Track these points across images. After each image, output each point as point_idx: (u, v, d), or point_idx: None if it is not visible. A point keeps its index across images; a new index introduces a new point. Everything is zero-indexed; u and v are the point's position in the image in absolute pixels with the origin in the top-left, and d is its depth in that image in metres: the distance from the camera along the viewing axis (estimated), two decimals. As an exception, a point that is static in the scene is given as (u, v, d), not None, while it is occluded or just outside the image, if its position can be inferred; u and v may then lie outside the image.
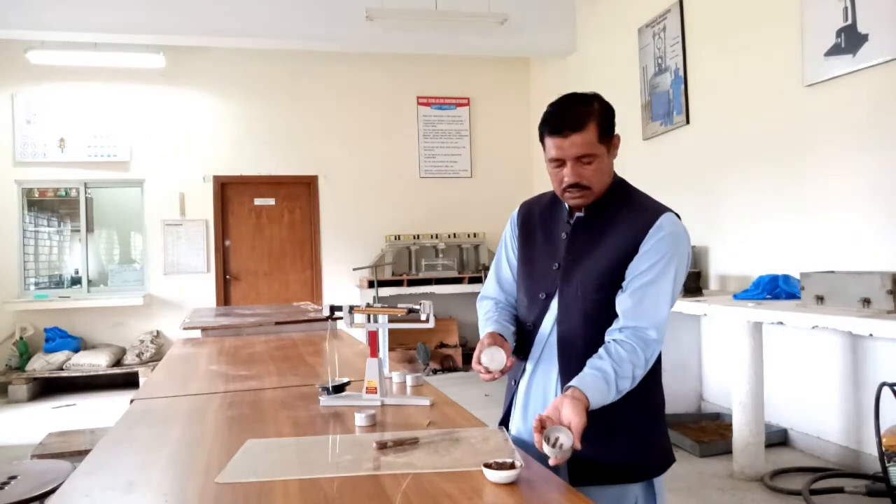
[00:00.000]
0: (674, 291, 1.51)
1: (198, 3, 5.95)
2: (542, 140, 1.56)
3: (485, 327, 1.69)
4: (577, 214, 1.60)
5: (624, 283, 1.51)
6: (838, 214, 3.77)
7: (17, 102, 6.85)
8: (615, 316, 1.52)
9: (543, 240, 1.66)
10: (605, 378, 1.41)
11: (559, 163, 1.51)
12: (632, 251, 1.50)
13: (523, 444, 1.55)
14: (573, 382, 1.41)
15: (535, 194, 1.83)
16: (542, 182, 1.73)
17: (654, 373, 1.57)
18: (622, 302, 1.50)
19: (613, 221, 1.55)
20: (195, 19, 5.98)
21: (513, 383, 1.71)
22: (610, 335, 1.51)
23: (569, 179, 1.50)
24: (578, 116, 1.48)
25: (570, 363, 1.54)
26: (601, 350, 1.48)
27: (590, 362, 1.46)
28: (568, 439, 1.31)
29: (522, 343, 1.68)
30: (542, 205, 1.72)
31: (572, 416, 1.32)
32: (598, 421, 1.41)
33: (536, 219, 1.71)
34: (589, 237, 1.57)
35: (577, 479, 1.50)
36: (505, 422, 1.75)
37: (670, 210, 1.55)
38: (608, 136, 1.52)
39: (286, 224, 7.65)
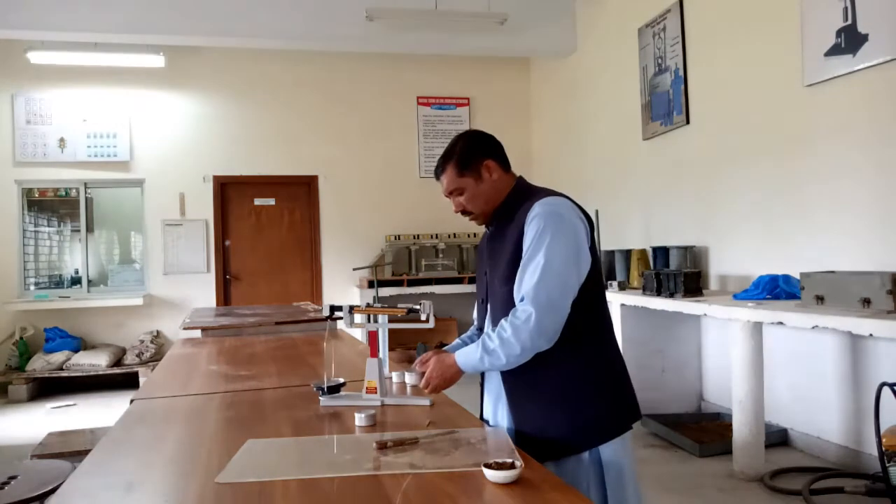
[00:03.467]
0: (549, 258, 1.60)
1: (198, 4, 5.95)
2: None
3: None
4: (492, 227, 1.83)
5: None
6: (838, 214, 3.77)
7: (17, 102, 6.85)
8: None
9: (483, 255, 1.88)
10: (477, 342, 1.67)
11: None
12: (519, 239, 1.67)
13: None
14: (456, 354, 1.72)
15: None
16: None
17: (582, 347, 1.66)
18: (517, 276, 1.66)
19: (512, 220, 1.73)
20: (195, 19, 5.98)
21: (480, 381, 1.87)
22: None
23: (454, 207, 1.82)
24: (439, 164, 1.81)
25: None
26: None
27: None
28: (411, 378, 1.95)
29: None
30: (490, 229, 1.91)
31: (430, 364, 1.74)
32: (534, 398, 1.66)
33: (484, 241, 1.91)
34: (498, 241, 1.77)
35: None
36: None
37: (554, 195, 1.71)
38: (469, 169, 1.76)
39: (286, 224, 7.65)
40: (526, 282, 1.61)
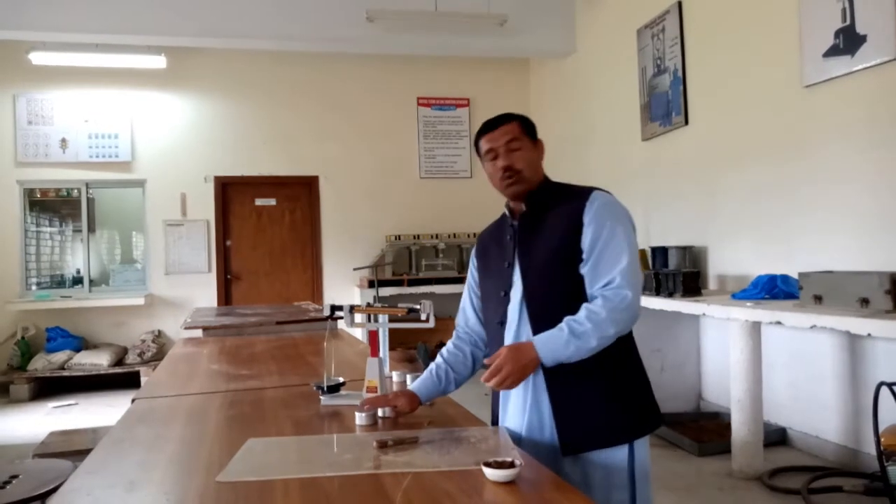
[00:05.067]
0: (629, 245, 1.65)
1: (199, 5, 5.95)
2: (479, 153, 1.81)
3: (416, 381, 1.88)
4: (521, 213, 1.78)
5: (583, 256, 1.66)
6: (837, 214, 3.77)
7: (18, 103, 6.86)
8: (573, 288, 1.66)
9: (496, 249, 1.85)
10: (559, 327, 1.60)
11: (493, 155, 1.75)
12: (574, 228, 1.66)
13: (512, 438, 1.66)
14: (534, 341, 1.62)
15: None
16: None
17: (628, 343, 1.71)
18: (585, 274, 1.65)
19: (552, 209, 1.74)
20: (196, 20, 5.99)
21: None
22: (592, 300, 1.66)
23: (502, 162, 1.73)
24: (501, 116, 1.78)
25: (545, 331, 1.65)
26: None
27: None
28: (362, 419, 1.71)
29: (495, 343, 1.79)
30: (493, 227, 1.93)
31: (502, 354, 1.59)
32: (584, 387, 1.64)
33: (488, 238, 1.92)
34: (535, 225, 1.75)
35: (568, 448, 1.63)
36: (496, 422, 1.82)
37: (599, 189, 1.74)
38: (531, 135, 1.78)
39: (287, 224, 7.66)
40: (611, 266, 1.61)
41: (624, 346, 1.70)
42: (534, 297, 1.70)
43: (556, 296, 1.67)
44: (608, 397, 1.66)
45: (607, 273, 1.61)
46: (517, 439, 1.68)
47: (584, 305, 1.61)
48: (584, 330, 1.57)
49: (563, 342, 1.58)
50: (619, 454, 1.65)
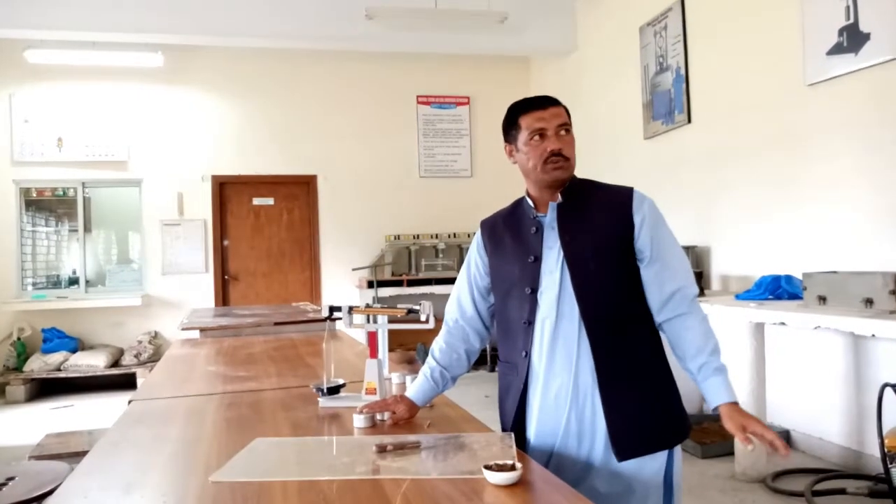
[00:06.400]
0: (681, 248, 1.72)
1: (197, 3, 5.93)
2: (514, 125, 1.68)
3: (412, 384, 1.81)
4: (559, 204, 1.67)
5: (642, 256, 1.64)
6: (840, 214, 3.75)
7: (14, 102, 6.83)
8: (625, 282, 1.63)
9: (513, 241, 1.72)
10: (717, 369, 1.64)
11: (540, 133, 1.63)
12: (622, 224, 1.63)
13: (541, 447, 1.63)
14: (727, 398, 1.60)
15: None
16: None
17: (660, 344, 1.71)
18: (654, 272, 1.63)
19: (590, 202, 1.67)
20: (194, 18, 5.96)
21: (520, 385, 1.67)
22: (662, 307, 1.64)
23: (553, 146, 1.62)
24: (550, 98, 1.68)
25: (600, 329, 1.60)
26: (688, 345, 1.65)
27: (699, 361, 1.65)
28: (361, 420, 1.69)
29: (517, 342, 1.69)
30: (503, 215, 1.80)
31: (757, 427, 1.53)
32: (633, 392, 1.62)
33: (501, 226, 1.77)
34: (576, 216, 1.66)
35: (622, 452, 1.59)
36: (516, 424, 1.69)
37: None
38: (571, 123, 1.69)
39: (285, 224, 7.63)
40: (681, 267, 1.67)
41: (661, 349, 1.70)
42: (586, 293, 1.60)
43: (609, 290, 1.62)
44: (657, 399, 1.66)
45: (679, 276, 1.65)
46: (549, 445, 1.63)
47: (700, 325, 1.65)
48: (717, 345, 1.67)
49: (724, 368, 1.66)
50: (653, 463, 1.61)
